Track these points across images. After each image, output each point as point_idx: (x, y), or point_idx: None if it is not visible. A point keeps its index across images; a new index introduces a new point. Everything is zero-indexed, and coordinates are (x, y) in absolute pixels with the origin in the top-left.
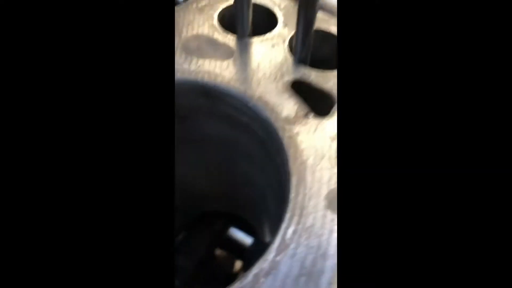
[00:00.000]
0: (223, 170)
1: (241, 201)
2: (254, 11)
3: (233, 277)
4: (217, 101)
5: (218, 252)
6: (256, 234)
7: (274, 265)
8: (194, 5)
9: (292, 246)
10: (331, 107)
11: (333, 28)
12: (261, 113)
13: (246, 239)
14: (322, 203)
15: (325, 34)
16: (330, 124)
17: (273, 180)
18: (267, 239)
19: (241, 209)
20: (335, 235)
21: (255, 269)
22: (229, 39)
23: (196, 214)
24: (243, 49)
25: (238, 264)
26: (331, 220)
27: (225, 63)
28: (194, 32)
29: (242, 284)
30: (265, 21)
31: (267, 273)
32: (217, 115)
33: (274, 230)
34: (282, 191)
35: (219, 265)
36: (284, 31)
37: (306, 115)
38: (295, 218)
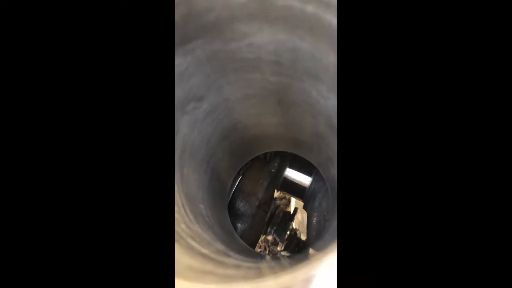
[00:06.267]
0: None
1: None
2: None
3: (293, 217)
4: None
5: (277, 193)
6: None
7: None
8: None
9: None
10: None
11: None
12: None
13: (304, 179)
14: None
15: None
16: None
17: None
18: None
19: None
20: None
21: None
22: None
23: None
24: None
25: (297, 204)
26: None
27: None
28: None
29: None
30: None
31: None
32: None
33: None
34: None
35: (278, 206)
36: None
37: None
38: None
